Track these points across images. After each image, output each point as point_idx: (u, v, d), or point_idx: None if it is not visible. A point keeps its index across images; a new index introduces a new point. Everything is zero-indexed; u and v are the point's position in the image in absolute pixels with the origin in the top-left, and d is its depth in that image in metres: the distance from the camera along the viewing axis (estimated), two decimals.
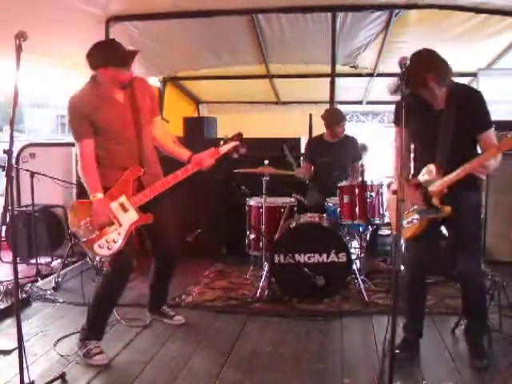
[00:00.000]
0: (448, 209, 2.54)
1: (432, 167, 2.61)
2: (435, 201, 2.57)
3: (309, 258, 3.76)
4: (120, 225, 2.79)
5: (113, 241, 2.77)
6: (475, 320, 2.81)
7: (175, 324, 3.33)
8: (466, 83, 7.88)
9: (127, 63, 2.76)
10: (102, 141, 2.81)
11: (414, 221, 2.69)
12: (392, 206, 2.89)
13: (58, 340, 3.08)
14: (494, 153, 2.38)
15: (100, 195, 2.75)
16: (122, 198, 2.80)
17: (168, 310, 3.40)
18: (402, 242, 2.79)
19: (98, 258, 4.48)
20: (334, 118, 4.54)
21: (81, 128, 2.78)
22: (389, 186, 2.82)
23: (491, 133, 2.62)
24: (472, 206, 2.69)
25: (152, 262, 3.27)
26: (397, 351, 2.74)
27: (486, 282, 3.92)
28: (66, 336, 3.12)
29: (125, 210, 2.80)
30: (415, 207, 2.68)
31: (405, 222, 2.71)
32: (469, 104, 2.55)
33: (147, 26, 5.51)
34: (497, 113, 5.39)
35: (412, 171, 2.82)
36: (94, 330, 2.92)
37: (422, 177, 2.68)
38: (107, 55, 2.72)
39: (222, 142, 2.98)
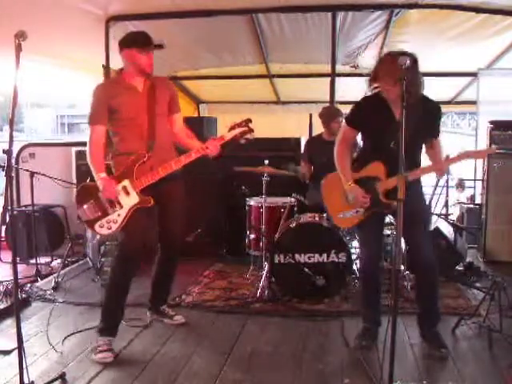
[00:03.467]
0: (393, 203, 2.57)
1: (381, 165, 2.78)
2: (382, 197, 2.76)
3: (309, 257, 3.76)
4: (121, 207, 2.92)
5: (113, 221, 2.92)
6: (430, 307, 2.91)
7: (175, 324, 3.33)
8: (467, 83, 7.93)
9: (148, 46, 2.93)
10: (117, 125, 2.97)
11: (358, 213, 2.87)
12: (325, 192, 3.09)
13: (64, 338, 3.08)
14: (435, 170, 2.74)
15: (104, 174, 2.91)
16: (125, 182, 2.93)
17: (168, 310, 3.40)
18: (402, 242, 2.84)
19: (99, 258, 4.50)
20: (329, 114, 4.55)
21: (97, 113, 2.93)
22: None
23: (439, 141, 2.88)
24: (417, 193, 2.87)
25: (156, 258, 3.31)
26: (358, 341, 2.95)
27: (486, 282, 3.97)
28: (72, 334, 3.12)
29: (127, 193, 2.92)
30: (352, 199, 2.85)
31: (347, 213, 2.90)
32: (428, 115, 2.76)
33: (147, 26, 5.49)
34: (497, 113, 5.42)
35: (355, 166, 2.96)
36: (106, 323, 2.94)
37: (368, 172, 2.84)
38: (132, 37, 2.96)
39: (228, 128, 3.04)
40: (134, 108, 2.94)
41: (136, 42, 2.91)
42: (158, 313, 3.39)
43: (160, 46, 3.00)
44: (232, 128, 3.03)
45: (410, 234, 2.72)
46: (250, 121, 3.05)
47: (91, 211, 2.95)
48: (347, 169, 2.90)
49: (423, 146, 2.89)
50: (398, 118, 2.66)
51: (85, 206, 2.96)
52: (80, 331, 3.18)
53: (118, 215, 2.92)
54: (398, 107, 2.64)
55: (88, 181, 4.71)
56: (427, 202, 3.21)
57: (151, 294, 3.42)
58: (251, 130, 3.03)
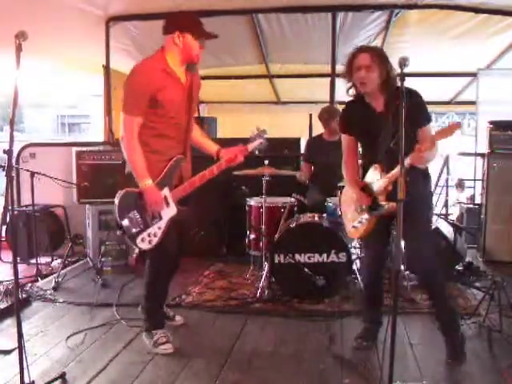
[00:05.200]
0: (393, 204, 2.56)
1: (377, 167, 2.73)
2: (381, 198, 2.69)
3: (309, 257, 3.76)
4: (160, 218, 2.75)
5: (153, 235, 2.73)
6: (438, 310, 2.82)
7: (175, 324, 3.30)
8: (466, 83, 7.92)
9: (203, 36, 2.70)
10: (157, 121, 2.70)
11: (363, 221, 2.80)
12: (343, 209, 3.06)
13: (69, 336, 3.10)
14: (428, 145, 2.48)
15: (150, 181, 2.66)
16: (165, 191, 2.75)
17: (168, 310, 3.35)
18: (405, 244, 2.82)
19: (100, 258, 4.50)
20: (329, 113, 4.56)
21: (138, 103, 2.63)
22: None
23: (428, 128, 2.70)
24: (421, 198, 2.77)
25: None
26: (359, 341, 2.94)
27: (486, 282, 3.97)
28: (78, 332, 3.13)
29: (167, 203, 2.75)
30: (363, 207, 2.79)
31: (355, 223, 2.85)
32: (408, 105, 2.62)
33: (147, 26, 5.51)
34: (496, 113, 5.42)
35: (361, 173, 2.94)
36: (153, 318, 2.95)
37: (368, 177, 2.81)
38: (189, 21, 2.69)
39: (251, 137, 2.94)
40: (177, 105, 2.72)
41: (192, 27, 2.66)
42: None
43: (215, 36, 2.76)
44: (253, 139, 2.93)
45: (408, 234, 2.68)
46: (265, 132, 2.97)
47: (134, 224, 2.72)
48: (353, 179, 2.89)
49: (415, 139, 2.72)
50: (378, 111, 2.72)
51: (128, 217, 2.71)
52: (91, 328, 3.18)
53: (158, 228, 2.73)
54: (377, 102, 2.72)
55: (87, 182, 4.72)
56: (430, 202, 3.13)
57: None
58: (266, 142, 2.97)
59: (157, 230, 2.73)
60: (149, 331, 2.95)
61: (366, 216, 2.79)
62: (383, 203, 2.68)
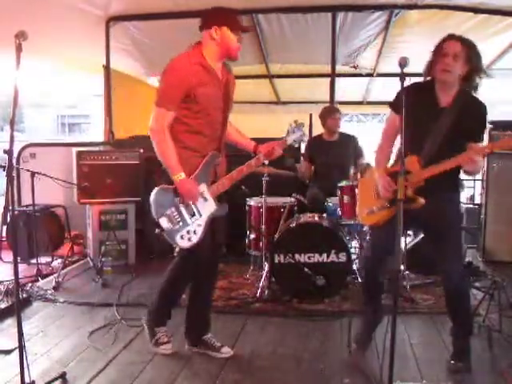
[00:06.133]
0: (422, 201, 2.52)
1: (414, 158, 2.58)
2: (409, 192, 2.54)
3: (309, 257, 3.76)
4: (200, 215, 2.66)
5: (193, 232, 2.63)
6: (459, 323, 2.76)
7: (219, 357, 2.84)
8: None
9: (240, 29, 2.63)
10: (191, 117, 2.60)
11: (382, 209, 2.68)
12: (360, 192, 3.00)
13: (92, 332, 3.13)
14: (487, 150, 2.44)
15: (183, 174, 2.56)
16: (203, 187, 2.66)
17: (214, 341, 2.90)
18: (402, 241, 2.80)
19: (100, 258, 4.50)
20: (326, 111, 4.57)
21: (173, 98, 2.53)
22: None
23: (480, 145, 2.62)
24: (454, 207, 2.70)
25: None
26: (357, 341, 2.90)
27: (486, 282, 3.97)
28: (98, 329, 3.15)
29: (205, 199, 2.67)
30: (386, 195, 2.66)
31: (374, 208, 2.72)
32: (474, 111, 2.56)
33: (147, 26, 5.52)
34: (497, 113, 5.43)
35: (393, 159, 2.82)
36: (159, 316, 2.90)
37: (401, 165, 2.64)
38: (225, 14, 2.61)
39: (288, 130, 2.89)
40: (213, 101, 2.63)
41: (229, 20, 2.58)
42: (200, 344, 2.91)
43: (252, 29, 2.74)
44: (291, 132, 2.87)
45: (437, 250, 2.63)
46: (303, 125, 2.91)
47: (172, 221, 2.61)
48: (382, 162, 2.77)
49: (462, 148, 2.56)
50: (442, 105, 2.57)
51: (166, 215, 2.60)
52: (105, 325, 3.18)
53: (198, 225, 2.64)
54: (446, 95, 2.57)
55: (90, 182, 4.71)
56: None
57: (187, 322, 2.94)
58: (304, 135, 2.89)
59: (196, 227, 2.64)
60: (151, 328, 2.91)
61: (386, 204, 2.66)
62: (411, 196, 2.53)
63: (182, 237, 2.61)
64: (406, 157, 2.59)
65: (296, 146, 2.95)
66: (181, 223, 2.62)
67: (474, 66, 2.51)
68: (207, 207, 2.68)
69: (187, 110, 2.57)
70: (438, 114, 2.57)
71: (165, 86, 2.57)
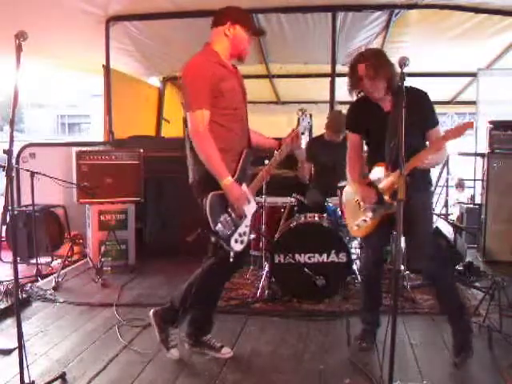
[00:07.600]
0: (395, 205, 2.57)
1: (381, 165, 2.72)
2: (386, 197, 2.69)
3: (309, 257, 3.76)
4: (245, 216, 2.64)
5: (244, 234, 2.62)
6: (454, 320, 2.80)
7: (218, 357, 2.84)
8: (466, 83, 7.91)
9: (253, 30, 2.65)
10: (220, 114, 2.54)
11: (368, 219, 2.81)
12: (346, 208, 3.10)
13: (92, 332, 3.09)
14: (434, 148, 2.51)
15: (230, 178, 2.51)
16: (244, 187, 2.63)
17: (213, 341, 2.90)
18: (402, 241, 2.83)
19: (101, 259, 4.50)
20: (336, 125, 4.44)
21: (203, 95, 2.46)
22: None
23: (438, 129, 2.70)
24: (424, 205, 2.77)
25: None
26: (358, 341, 2.96)
27: (486, 282, 3.97)
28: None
29: (247, 199, 2.64)
30: (367, 206, 2.79)
31: (359, 221, 2.85)
32: (415, 101, 2.56)
33: (147, 26, 5.51)
34: (497, 113, 5.43)
35: (366, 171, 2.92)
36: (182, 317, 2.80)
37: (373, 175, 2.80)
38: (240, 13, 2.60)
39: (299, 119, 2.83)
40: (236, 95, 2.60)
41: (243, 19, 2.57)
42: (200, 344, 2.90)
43: (263, 33, 2.76)
44: (300, 121, 2.82)
45: (410, 234, 2.70)
46: (306, 110, 2.86)
47: (226, 227, 2.56)
48: (355, 176, 2.88)
49: (424, 140, 2.72)
50: (386, 110, 2.72)
51: (220, 222, 2.55)
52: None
53: (246, 226, 2.63)
54: (384, 101, 2.73)
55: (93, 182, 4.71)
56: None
57: (190, 323, 2.90)
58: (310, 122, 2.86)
59: (245, 228, 2.63)
60: (167, 327, 2.78)
61: (370, 214, 2.78)
62: (388, 201, 2.66)
63: (235, 241, 2.59)
64: (374, 167, 2.78)
65: (304, 134, 2.90)
66: (233, 227, 2.59)
67: (387, 74, 2.61)
68: (250, 207, 2.67)
69: (214, 107, 2.50)
70: (385, 119, 2.67)
71: (192, 88, 2.50)
